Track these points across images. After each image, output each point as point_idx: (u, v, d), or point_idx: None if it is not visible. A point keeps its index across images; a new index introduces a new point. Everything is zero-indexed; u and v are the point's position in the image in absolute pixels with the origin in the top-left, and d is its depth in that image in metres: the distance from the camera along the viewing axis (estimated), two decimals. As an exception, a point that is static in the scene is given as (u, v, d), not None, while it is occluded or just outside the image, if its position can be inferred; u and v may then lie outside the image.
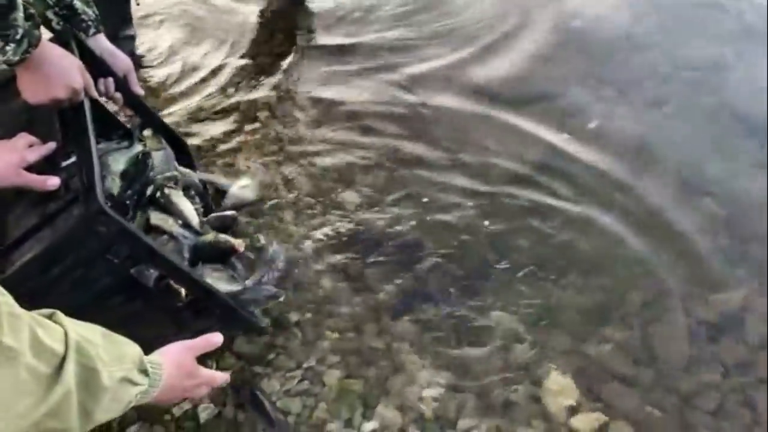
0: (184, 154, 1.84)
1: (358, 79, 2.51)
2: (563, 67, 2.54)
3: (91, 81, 1.38)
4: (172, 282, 1.40)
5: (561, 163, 2.11)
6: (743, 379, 1.53)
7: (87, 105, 1.35)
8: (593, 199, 1.99)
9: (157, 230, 1.53)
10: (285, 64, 2.62)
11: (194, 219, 1.58)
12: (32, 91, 1.29)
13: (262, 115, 2.35)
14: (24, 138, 1.32)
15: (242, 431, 1.45)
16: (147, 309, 1.40)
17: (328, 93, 2.45)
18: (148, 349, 1.17)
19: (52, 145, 1.32)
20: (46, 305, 1.21)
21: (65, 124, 1.36)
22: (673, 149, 2.16)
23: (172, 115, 2.33)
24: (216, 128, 2.28)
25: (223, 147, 2.20)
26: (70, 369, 0.89)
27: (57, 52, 1.29)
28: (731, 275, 1.75)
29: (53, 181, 1.25)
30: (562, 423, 1.45)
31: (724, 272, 1.76)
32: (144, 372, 1.05)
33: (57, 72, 1.28)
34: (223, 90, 2.48)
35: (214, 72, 2.58)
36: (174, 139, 1.79)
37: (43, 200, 1.24)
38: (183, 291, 1.41)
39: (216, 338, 1.25)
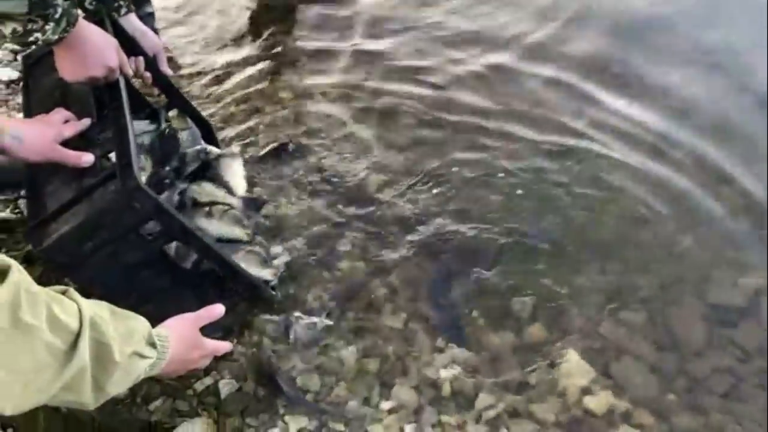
0: (210, 135, 1.87)
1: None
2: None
3: (126, 59, 1.41)
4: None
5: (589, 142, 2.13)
6: (761, 363, 1.53)
7: (122, 83, 1.38)
8: (619, 181, 2.00)
9: (201, 204, 1.56)
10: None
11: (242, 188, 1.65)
12: (70, 69, 1.32)
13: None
14: (60, 113, 1.35)
15: (263, 406, 1.48)
16: (174, 285, 1.44)
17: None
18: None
19: (87, 122, 1.35)
20: (79, 277, 1.26)
21: (99, 100, 1.40)
22: (700, 132, 2.15)
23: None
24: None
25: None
26: (85, 344, 0.91)
27: (94, 30, 1.31)
28: (752, 259, 1.75)
29: (87, 158, 1.28)
30: (577, 403, 1.46)
31: (744, 256, 1.76)
32: (152, 345, 1.08)
33: (94, 51, 1.30)
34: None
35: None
36: (200, 121, 1.82)
37: (79, 175, 1.28)
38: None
39: (218, 309, 1.29)
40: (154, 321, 1.15)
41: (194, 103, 1.95)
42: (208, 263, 1.44)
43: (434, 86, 2.43)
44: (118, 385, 1.01)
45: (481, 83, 2.43)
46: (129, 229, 1.24)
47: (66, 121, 1.34)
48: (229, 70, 2.60)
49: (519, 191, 1.98)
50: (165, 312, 1.43)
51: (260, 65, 2.61)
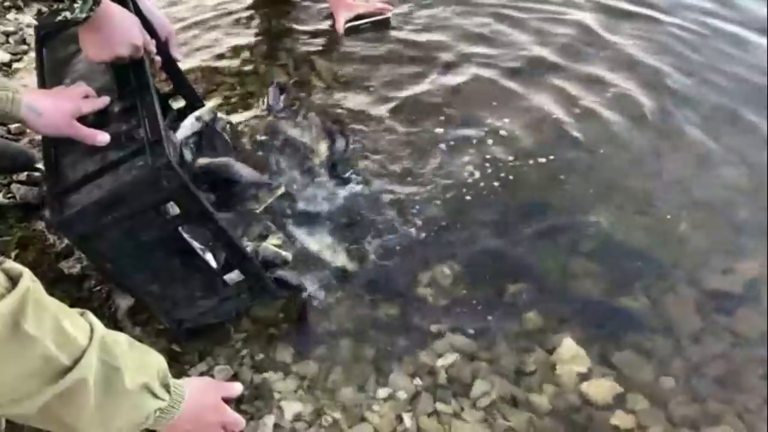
0: None
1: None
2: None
3: (149, 38, 1.41)
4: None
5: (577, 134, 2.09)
6: (758, 349, 1.52)
7: (147, 61, 1.39)
8: (613, 165, 1.98)
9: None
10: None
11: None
12: (96, 49, 1.32)
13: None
14: (80, 87, 1.34)
15: (259, 393, 1.47)
16: (183, 267, 1.43)
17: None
18: (174, 308, 1.20)
19: (106, 99, 1.34)
20: (93, 251, 1.25)
21: (119, 77, 1.39)
22: (695, 118, 2.13)
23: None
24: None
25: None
26: (89, 361, 0.88)
27: (117, 10, 1.31)
28: (748, 246, 1.73)
29: (103, 137, 1.27)
30: (574, 390, 1.46)
31: (741, 243, 1.74)
32: (166, 388, 1.04)
33: (120, 30, 1.30)
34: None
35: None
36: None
37: (102, 147, 1.27)
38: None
39: (238, 388, 1.30)
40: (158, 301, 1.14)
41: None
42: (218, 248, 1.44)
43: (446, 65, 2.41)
44: (123, 420, 0.96)
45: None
46: (151, 206, 1.24)
47: (86, 97, 1.32)
48: (224, 52, 2.56)
49: (513, 175, 1.96)
50: (169, 295, 1.43)
51: (257, 47, 2.58)
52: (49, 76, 1.46)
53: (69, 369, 0.86)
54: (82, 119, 1.30)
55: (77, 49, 1.42)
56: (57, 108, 1.25)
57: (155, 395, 1.00)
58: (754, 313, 1.58)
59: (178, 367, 1.51)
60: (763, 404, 1.41)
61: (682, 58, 2.39)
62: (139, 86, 1.35)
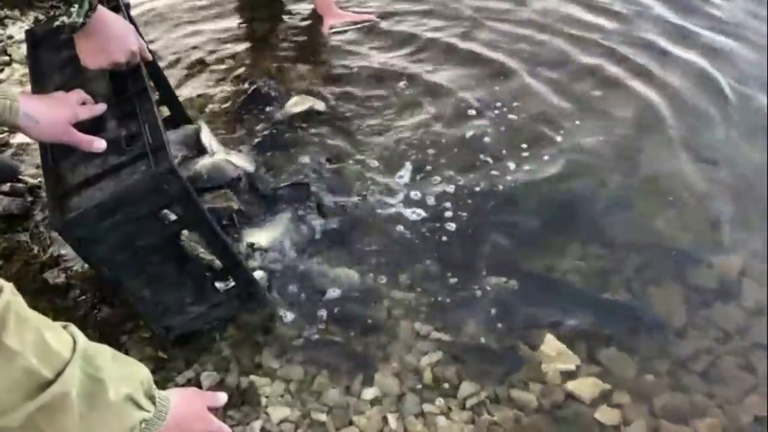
0: None
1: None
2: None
3: (144, 44, 1.42)
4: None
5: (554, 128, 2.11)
6: (740, 343, 1.54)
7: (143, 66, 1.41)
8: (595, 161, 1.99)
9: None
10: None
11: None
12: (93, 57, 1.34)
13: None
14: (77, 94, 1.34)
15: (244, 398, 1.47)
16: (177, 273, 1.45)
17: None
18: (165, 314, 1.20)
19: (103, 106, 1.34)
20: (91, 254, 1.27)
21: (116, 82, 1.41)
22: (677, 114, 2.15)
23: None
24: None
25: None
26: (72, 373, 0.88)
27: (112, 16, 1.32)
28: (730, 240, 1.75)
29: (99, 144, 1.27)
30: (559, 387, 1.47)
31: (723, 237, 1.76)
32: (151, 399, 1.02)
33: (116, 36, 1.32)
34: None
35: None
36: (182, 116, 1.83)
37: (102, 152, 1.27)
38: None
39: (222, 398, 1.27)
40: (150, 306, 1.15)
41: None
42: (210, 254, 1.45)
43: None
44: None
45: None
46: (152, 210, 1.25)
47: (83, 103, 1.33)
48: (203, 50, 2.56)
49: (495, 172, 1.97)
50: (161, 301, 1.43)
51: (238, 46, 2.58)
52: (43, 82, 1.46)
53: (51, 382, 0.85)
54: (79, 124, 1.30)
55: (71, 55, 1.42)
56: (54, 116, 1.26)
57: (140, 406, 0.99)
58: (735, 307, 1.60)
59: (165, 374, 1.52)
60: (744, 395, 1.43)
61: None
62: (137, 92, 1.36)
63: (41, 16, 1.19)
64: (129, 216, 1.21)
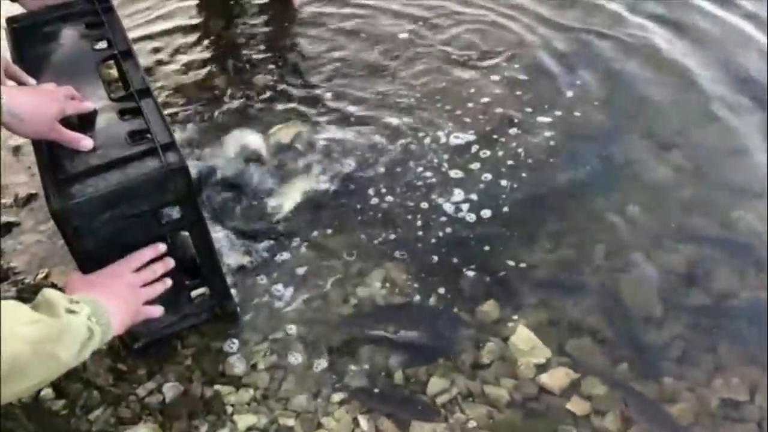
0: None
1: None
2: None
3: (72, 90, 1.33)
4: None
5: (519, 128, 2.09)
6: (707, 326, 1.53)
7: (140, 65, 1.41)
8: (562, 153, 1.99)
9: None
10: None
11: None
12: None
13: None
14: (67, 90, 1.28)
15: (209, 408, 1.43)
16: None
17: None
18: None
19: (90, 106, 1.31)
20: (81, 245, 1.22)
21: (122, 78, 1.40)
22: (640, 101, 2.15)
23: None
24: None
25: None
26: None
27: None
28: (697, 226, 1.75)
29: (87, 142, 1.24)
30: (532, 380, 1.45)
31: (689, 223, 1.76)
32: (69, 301, 1.03)
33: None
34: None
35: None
36: None
37: (102, 144, 1.25)
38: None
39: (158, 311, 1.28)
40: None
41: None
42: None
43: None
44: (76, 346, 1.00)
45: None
46: (152, 208, 1.24)
47: (72, 99, 1.27)
48: (161, 56, 2.50)
49: (472, 165, 1.95)
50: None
51: (197, 54, 2.52)
52: (31, 73, 1.38)
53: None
54: (74, 119, 1.27)
55: (58, 47, 1.44)
56: (39, 112, 1.20)
57: (72, 311, 1.02)
58: (704, 292, 1.60)
59: (126, 387, 1.47)
60: (712, 377, 1.43)
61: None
62: (140, 89, 1.34)
63: None
64: (130, 210, 1.20)
